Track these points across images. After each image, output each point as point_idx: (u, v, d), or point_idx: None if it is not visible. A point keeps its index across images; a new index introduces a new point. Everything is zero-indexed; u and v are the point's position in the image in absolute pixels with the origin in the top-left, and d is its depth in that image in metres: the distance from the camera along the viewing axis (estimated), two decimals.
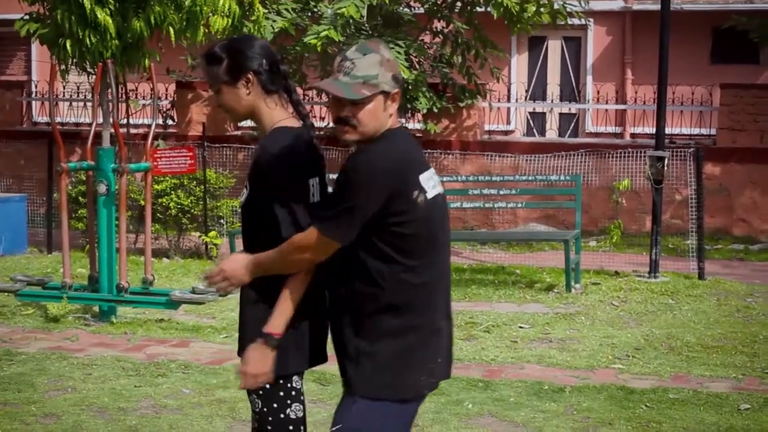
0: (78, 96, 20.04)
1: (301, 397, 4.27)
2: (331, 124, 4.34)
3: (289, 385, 4.21)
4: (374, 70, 3.96)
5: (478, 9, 16.06)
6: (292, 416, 4.23)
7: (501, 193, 14.06)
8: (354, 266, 4.01)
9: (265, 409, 4.23)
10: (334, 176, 4.10)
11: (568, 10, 15.60)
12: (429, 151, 16.22)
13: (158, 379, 8.33)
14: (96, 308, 10.69)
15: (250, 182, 4.22)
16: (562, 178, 14.52)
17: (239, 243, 13.30)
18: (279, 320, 4.06)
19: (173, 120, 18.99)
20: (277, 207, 4.10)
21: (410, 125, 17.92)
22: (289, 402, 4.22)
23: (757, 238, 16.84)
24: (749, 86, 17.74)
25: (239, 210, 4.62)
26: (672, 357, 9.28)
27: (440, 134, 17.28)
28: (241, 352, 4.20)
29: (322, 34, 14.19)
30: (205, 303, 10.53)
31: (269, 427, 4.24)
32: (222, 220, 15.09)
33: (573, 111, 21.66)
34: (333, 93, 3.95)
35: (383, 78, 3.97)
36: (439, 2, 16.11)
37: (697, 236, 13.55)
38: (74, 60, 11.20)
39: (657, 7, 14.21)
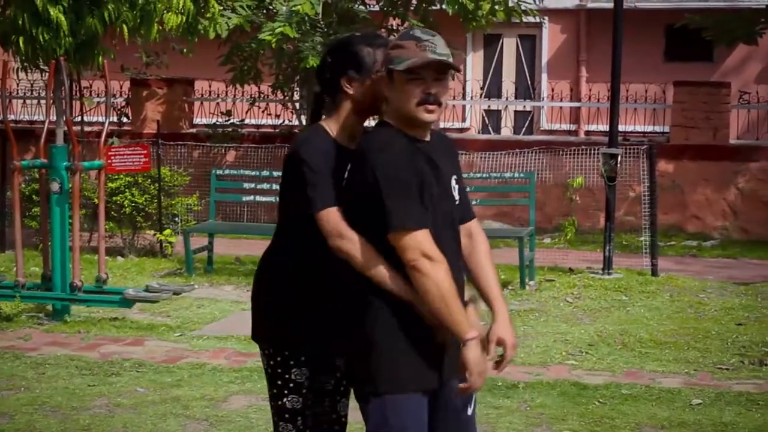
0: (31, 93, 19.90)
1: (302, 391, 4.39)
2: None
3: (286, 375, 4.38)
4: (448, 50, 4.06)
5: (433, 7, 16.09)
6: (288, 406, 4.41)
7: None
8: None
9: (269, 393, 4.47)
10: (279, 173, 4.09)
11: (522, 7, 15.66)
12: None
13: (112, 378, 8.30)
14: (49, 307, 10.62)
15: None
16: (517, 175, 14.58)
17: (194, 241, 13.30)
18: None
19: (127, 118, 18.90)
20: None
21: (366, 122, 17.89)
22: (285, 392, 4.40)
23: (709, 234, 16.97)
24: (702, 84, 17.86)
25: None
26: (625, 353, 9.34)
27: None
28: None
29: (277, 30, 14.17)
30: (159, 301, 10.51)
31: (271, 411, 4.49)
32: (176, 218, 15.03)
33: (528, 108, 21.73)
34: (452, 62, 4.04)
35: (452, 60, 4.08)
36: (394, 0, 16.13)
37: (650, 233, 13.64)
38: (27, 57, 11.13)
39: (611, 5, 14.28)
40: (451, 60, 4.04)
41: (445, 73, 4.07)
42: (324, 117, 4.41)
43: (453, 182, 4.21)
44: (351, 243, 4.07)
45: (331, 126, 4.34)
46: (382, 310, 4.03)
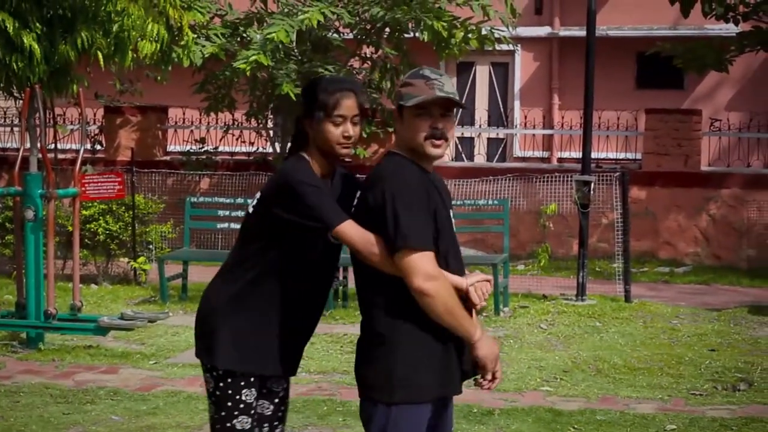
0: (5, 121, 19.85)
1: (251, 412, 4.46)
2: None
3: (238, 396, 4.42)
4: (454, 89, 4.33)
5: (407, 35, 16.15)
6: (238, 427, 4.44)
7: None
8: None
9: (216, 416, 4.46)
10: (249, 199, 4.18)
11: (495, 35, 15.73)
12: (359, 175, 16.22)
13: (87, 406, 8.28)
14: (23, 335, 10.58)
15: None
16: (491, 202, 14.64)
17: (169, 269, 13.28)
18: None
19: (101, 145, 18.88)
20: None
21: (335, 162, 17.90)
22: (236, 413, 4.43)
23: (682, 260, 17.07)
24: (673, 111, 18.00)
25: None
26: (599, 379, 9.38)
27: (370, 159, 17.35)
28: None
29: (252, 58, 14.20)
30: (133, 329, 10.48)
31: None
32: (151, 246, 15.01)
33: (501, 136, 21.81)
34: (458, 100, 4.27)
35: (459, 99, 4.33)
36: (367, 28, 16.19)
37: (623, 259, 13.71)
38: (1, 85, 11.11)
39: (583, 33, 14.39)
40: (457, 98, 4.27)
41: (452, 109, 4.30)
42: (303, 151, 4.51)
43: (451, 214, 4.41)
44: (380, 247, 4.19)
45: (308, 158, 4.46)
46: (405, 318, 4.17)
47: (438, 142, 4.25)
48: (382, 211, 4.16)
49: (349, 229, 4.23)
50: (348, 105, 4.41)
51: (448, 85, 4.26)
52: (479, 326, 4.27)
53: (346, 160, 4.49)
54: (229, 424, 4.44)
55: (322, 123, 4.40)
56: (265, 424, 4.60)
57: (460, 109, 4.51)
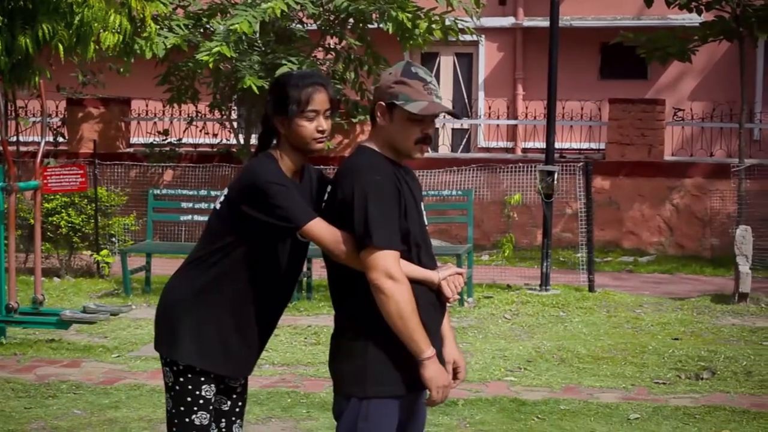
0: None
1: (210, 408, 4.46)
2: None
3: (197, 392, 4.42)
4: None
5: (370, 26, 16.13)
6: (197, 422, 4.44)
7: None
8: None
9: (173, 410, 4.44)
10: (218, 192, 4.14)
11: (459, 26, 15.74)
12: (323, 167, 16.18)
13: (49, 401, 8.22)
14: None
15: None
16: (455, 192, 14.64)
17: (132, 261, 13.22)
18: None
19: (64, 137, 18.78)
20: None
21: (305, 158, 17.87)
22: (195, 408, 4.43)
23: (645, 250, 17.14)
24: (637, 101, 18.07)
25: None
26: (563, 368, 9.40)
27: (334, 150, 17.33)
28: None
29: (214, 50, 14.14)
30: (96, 322, 10.42)
31: (174, 429, 4.46)
32: (114, 239, 14.94)
33: (465, 126, 21.83)
34: (458, 113, 4.22)
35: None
36: (331, 19, 16.16)
37: (587, 249, 13.75)
38: None
39: (547, 23, 14.42)
40: (455, 111, 4.38)
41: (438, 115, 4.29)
42: (271, 149, 4.48)
43: (422, 207, 4.37)
44: (348, 244, 4.16)
45: (277, 156, 4.43)
46: (378, 313, 4.11)
47: (426, 148, 4.25)
48: (350, 206, 4.12)
49: (317, 228, 4.20)
50: (320, 99, 4.40)
51: (439, 89, 4.25)
52: (431, 348, 4.15)
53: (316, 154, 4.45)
54: (187, 420, 4.43)
55: (296, 119, 4.36)
56: (223, 420, 4.60)
57: None
